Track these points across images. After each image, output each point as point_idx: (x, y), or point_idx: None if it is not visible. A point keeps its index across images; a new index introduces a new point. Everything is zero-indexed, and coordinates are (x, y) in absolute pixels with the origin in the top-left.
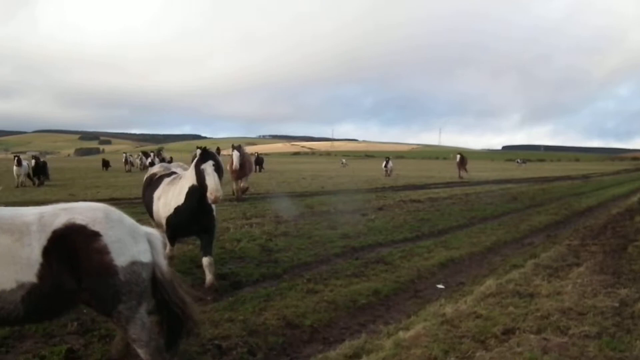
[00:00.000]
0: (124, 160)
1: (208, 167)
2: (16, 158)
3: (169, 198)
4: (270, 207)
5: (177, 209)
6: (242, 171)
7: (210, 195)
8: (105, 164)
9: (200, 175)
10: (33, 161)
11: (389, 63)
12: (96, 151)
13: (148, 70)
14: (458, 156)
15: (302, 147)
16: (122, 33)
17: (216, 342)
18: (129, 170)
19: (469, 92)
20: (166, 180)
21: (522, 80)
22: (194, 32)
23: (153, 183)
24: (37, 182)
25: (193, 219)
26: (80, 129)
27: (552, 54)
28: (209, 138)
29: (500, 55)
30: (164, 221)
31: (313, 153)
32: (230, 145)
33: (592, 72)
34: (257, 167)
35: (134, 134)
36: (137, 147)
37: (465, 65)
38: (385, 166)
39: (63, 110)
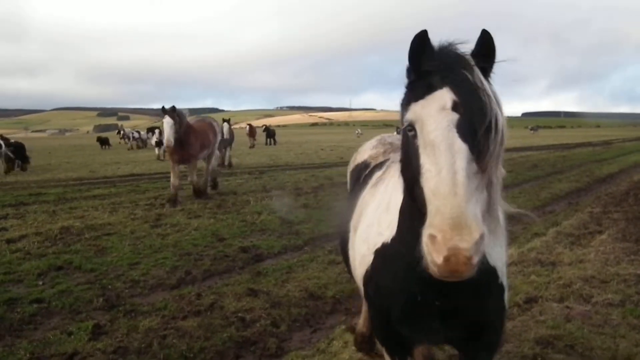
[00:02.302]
0: (118, 134)
1: (429, 113)
2: None
3: (366, 224)
4: (290, 179)
5: (383, 254)
6: (185, 152)
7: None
8: (104, 141)
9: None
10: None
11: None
12: (114, 127)
13: (172, 45)
14: None
15: (320, 117)
16: (147, 9)
17: (239, 314)
18: (132, 148)
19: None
20: (375, 176)
21: (553, 46)
22: (221, 6)
23: (357, 188)
24: (10, 167)
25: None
26: (99, 106)
27: (588, 18)
28: (228, 111)
29: (533, 22)
30: (362, 287)
31: (331, 123)
32: (253, 118)
33: (629, 35)
34: (270, 140)
35: (152, 109)
36: (155, 122)
37: (495, 33)
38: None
39: (84, 87)
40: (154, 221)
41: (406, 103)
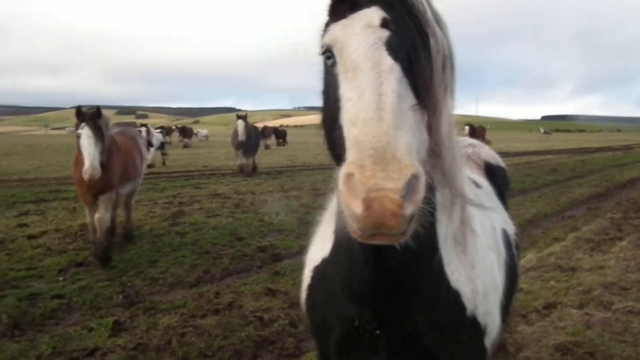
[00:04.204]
0: None
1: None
2: None
3: (313, 241)
4: (308, 179)
5: (320, 271)
6: (102, 180)
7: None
8: None
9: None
10: None
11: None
12: (133, 125)
13: (195, 46)
14: (467, 127)
15: None
16: (171, 12)
17: (258, 314)
18: None
19: (524, 62)
20: None
21: (582, 50)
22: (244, 7)
23: None
24: None
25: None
26: (119, 104)
27: (620, 21)
28: (245, 110)
29: (563, 24)
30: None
31: None
32: (271, 118)
33: None
34: (280, 140)
35: (171, 108)
36: (173, 120)
37: (524, 34)
38: None
39: (104, 86)
40: (172, 219)
41: (325, 28)
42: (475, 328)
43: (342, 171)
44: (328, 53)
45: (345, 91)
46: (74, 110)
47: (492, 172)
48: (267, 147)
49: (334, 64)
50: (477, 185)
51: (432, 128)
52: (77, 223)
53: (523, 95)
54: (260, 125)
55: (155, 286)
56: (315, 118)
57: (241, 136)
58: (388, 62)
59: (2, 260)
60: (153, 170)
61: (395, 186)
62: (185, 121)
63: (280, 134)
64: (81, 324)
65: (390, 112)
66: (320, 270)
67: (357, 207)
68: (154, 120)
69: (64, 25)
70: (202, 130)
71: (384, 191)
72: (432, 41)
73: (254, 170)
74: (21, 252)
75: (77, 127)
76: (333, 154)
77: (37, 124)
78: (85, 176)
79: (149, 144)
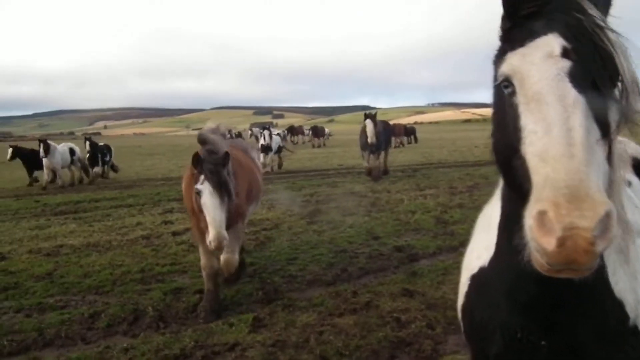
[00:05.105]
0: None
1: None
2: (41, 144)
3: (469, 248)
4: (444, 177)
5: (478, 280)
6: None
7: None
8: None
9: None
10: (87, 144)
11: None
12: (270, 125)
13: (333, 44)
14: None
15: (473, 114)
16: (306, 14)
17: (395, 314)
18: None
19: None
20: None
21: None
22: (386, 5)
23: None
24: (94, 174)
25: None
26: (256, 105)
27: None
28: (379, 108)
29: None
30: (461, 324)
31: (484, 120)
32: (405, 115)
33: None
34: (410, 137)
35: (306, 107)
36: (308, 119)
37: None
38: None
39: (242, 87)
40: (310, 217)
41: (500, 55)
42: (637, 337)
43: (534, 207)
44: (505, 82)
45: (529, 123)
46: (214, 112)
47: None
48: (396, 145)
49: (512, 94)
50: (627, 183)
51: (608, 159)
52: None
53: None
54: (392, 122)
55: (293, 283)
56: (450, 114)
57: (371, 139)
58: (573, 94)
59: (149, 256)
60: (290, 169)
61: (589, 225)
62: (320, 120)
63: (409, 131)
64: (222, 319)
65: (580, 148)
66: (478, 279)
67: (549, 244)
68: (290, 120)
69: (206, 31)
70: (325, 129)
71: (578, 230)
72: (614, 70)
73: (385, 173)
74: (166, 247)
75: (195, 178)
76: (513, 183)
77: (179, 125)
78: (211, 247)
79: (268, 149)
